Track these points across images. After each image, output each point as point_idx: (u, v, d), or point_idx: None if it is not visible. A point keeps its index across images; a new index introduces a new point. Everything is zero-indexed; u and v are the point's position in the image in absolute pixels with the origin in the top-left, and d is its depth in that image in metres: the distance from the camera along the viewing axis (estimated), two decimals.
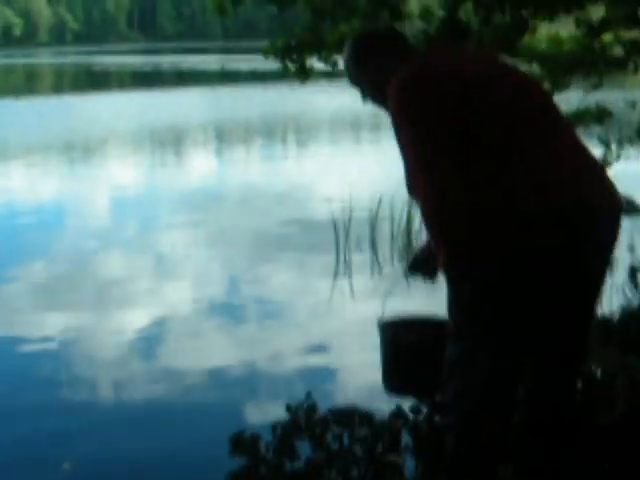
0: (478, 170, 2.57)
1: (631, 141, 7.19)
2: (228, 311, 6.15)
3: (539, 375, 2.80)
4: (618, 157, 6.64)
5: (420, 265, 3.12)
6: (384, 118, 2.85)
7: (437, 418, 3.88)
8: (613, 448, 3.42)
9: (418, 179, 2.59)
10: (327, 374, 4.87)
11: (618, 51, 7.43)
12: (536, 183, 2.54)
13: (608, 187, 2.69)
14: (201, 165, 14.43)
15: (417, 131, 2.57)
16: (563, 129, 2.76)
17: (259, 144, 17.32)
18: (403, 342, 3.26)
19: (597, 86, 7.21)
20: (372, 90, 2.89)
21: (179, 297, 6.46)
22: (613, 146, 7.05)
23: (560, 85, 7.47)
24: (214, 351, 5.24)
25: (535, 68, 7.60)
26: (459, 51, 2.84)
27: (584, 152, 2.75)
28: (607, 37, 7.39)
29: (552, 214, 2.51)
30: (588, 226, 2.57)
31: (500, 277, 2.56)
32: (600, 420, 3.45)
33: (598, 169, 2.76)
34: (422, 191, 2.58)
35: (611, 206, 2.66)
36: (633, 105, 7.25)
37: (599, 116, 7.26)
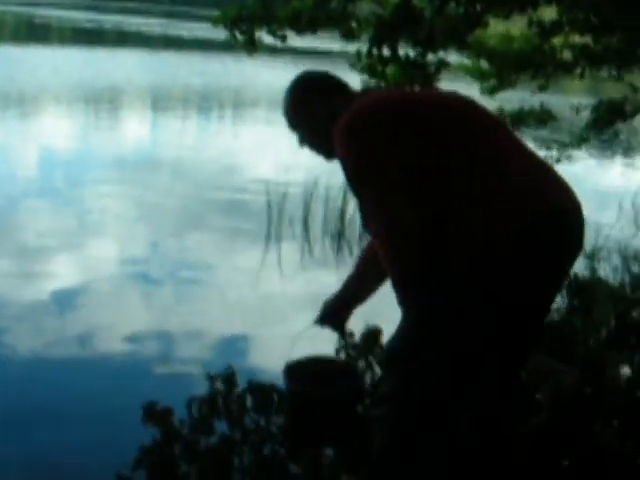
0: (436, 201, 2.50)
1: (572, 145, 7.22)
2: (150, 277, 5.99)
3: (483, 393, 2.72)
4: (558, 160, 6.65)
5: (328, 317, 3.14)
6: None
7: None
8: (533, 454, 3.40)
9: (372, 215, 2.55)
10: (247, 349, 4.79)
11: (567, 55, 7.46)
12: (499, 204, 2.46)
13: (568, 189, 2.62)
14: (135, 129, 14.18)
15: (367, 168, 2.51)
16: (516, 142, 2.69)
17: (197, 114, 17.12)
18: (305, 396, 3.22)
19: (543, 88, 7.24)
20: (310, 135, 2.84)
21: (100, 258, 6.28)
22: (554, 149, 7.07)
23: (507, 83, 7.48)
24: (132, 317, 5.08)
25: (483, 64, 7.59)
26: (395, 89, 2.74)
27: (538, 160, 2.69)
28: (557, 40, 7.41)
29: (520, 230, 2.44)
30: (559, 234, 2.50)
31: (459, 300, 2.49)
32: (525, 424, 3.43)
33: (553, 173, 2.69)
34: (377, 226, 2.55)
35: (575, 208, 2.59)
36: (577, 110, 7.28)
37: (542, 118, 7.29)
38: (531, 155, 2.67)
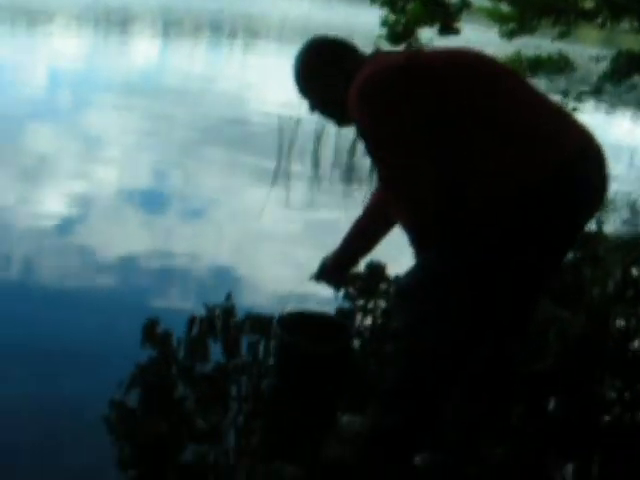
0: (455, 156, 2.47)
1: (588, 95, 7.16)
2: (153, 202, 5.93)
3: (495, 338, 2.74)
4: (574, 110, 6.58)
5: (327, 275, 3.15)
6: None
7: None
8: (544, 392, 3.45)
9: (390, 177, 2.54)
10: (248, 282, 4.70)
11: (589, 4, 7.38)
12: (520, 154, 2.44)
13: (589, 135, 2.60)
14: (145, 52, 14.06)
15: (383, 131, 2.48)
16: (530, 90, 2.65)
17: (209, 40, 16.93)
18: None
19: (564, 35, 7.15)
20: (321, 103, 2.80)
21: (103, 180, 6.22)
22: (570, 99, 7.01)
23: (527, 28, 7.40)
24: (133, 240, 5.00)
25: (504, 7, 7.51)
26: (404, 51, 2.68)
27: (557, 107, 2.66)
28: None
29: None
30: (581, 182, 2.48)
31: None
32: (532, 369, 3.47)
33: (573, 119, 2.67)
34: (397, 193, 2.54)
35: (597, 154, 2.57)
36: (597, 60, 7.21)
37: (560, 66, 7.22)
38: (549, 103, 2.64)
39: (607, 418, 3.50)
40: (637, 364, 3.99)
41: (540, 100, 2.61)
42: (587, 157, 2.53)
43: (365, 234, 3.08)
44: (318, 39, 2.83)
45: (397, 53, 2.67)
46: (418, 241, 2.60)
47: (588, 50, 10.10)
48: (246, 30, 19.32)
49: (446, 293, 2.57)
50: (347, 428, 2.95)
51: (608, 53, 7.72)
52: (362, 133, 2.57)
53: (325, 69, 2.72)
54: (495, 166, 2.44)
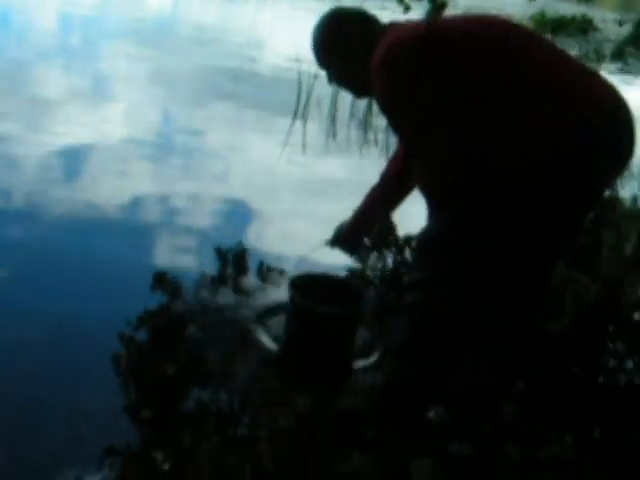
0: (484, 124, 2.44)
1: (610, 58, 7.09)
2: (166, 146, 5.93)
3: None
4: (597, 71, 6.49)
5: (342, 240, 3.15)
6: None
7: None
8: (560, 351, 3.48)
9: (412, 149, 2.56)
10: (259, 227, 4.71)
11: None
12: (547, 115, 2.39)
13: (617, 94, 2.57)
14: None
15: (405, 100, 2.45)
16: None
17: None
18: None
19: None
20: (340, 74, 2.75)
21: (110, 126, 6.17)
22: (593, 61, 6.95)
23: None
24: (139, 186, 4.97)
25: None
26: (425, 20, 2.63)
27: (584, 67, 2.62)
28: None
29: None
30: (609, 142, 2.45)
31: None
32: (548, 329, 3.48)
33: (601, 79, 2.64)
34: (418, 161, 2.54)
35: (625, 112, 2.51)
36: (620, 23, 7.13)
37: (584, 27, 7.15)
38: (578, 63, 2.61)
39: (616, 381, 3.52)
40: None
41: (568, 61, 2.58)
42: (619, 117, 2.51)
43: (383, 200, 3.07)
44: (337, 10, 2.79)
45: (417, 22, 2.63)
46: (437, 206, 2.59)
47: (607, 14, 9.97)
48: None
49: (460, 261, 2.56)
50: (362, 380, 2.96)
51: (629, 17, 7.63)
52: (383, 104, 2.54)
53: (344, 41, 2.69)
54: (528, 129, 2.40)
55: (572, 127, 2.40)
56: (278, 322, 3.36)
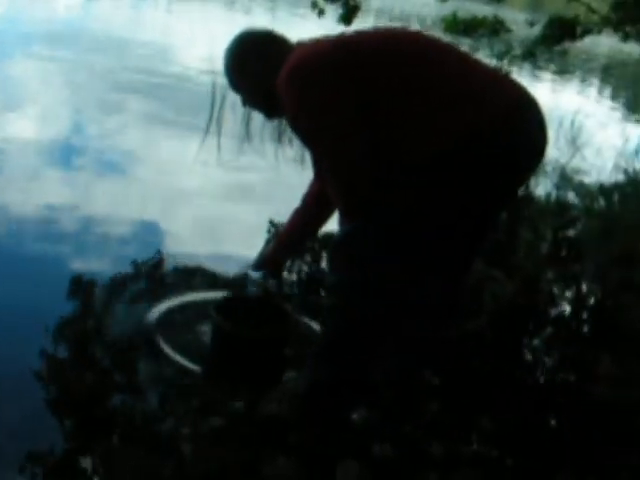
0: (389, 133, 2.49)
1: (521, 59, 7.22)
2: (71, 154, 5.77)
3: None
4: (508, 73, 6.61)
5: (266, 265, 3.17)
6: None
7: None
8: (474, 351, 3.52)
9: (322, 161, 2.60)
10: (174, 237, 4.59)
11: None
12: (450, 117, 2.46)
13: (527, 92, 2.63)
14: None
15: (314, 118, 2.48)
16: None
17: None
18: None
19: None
20: (251, 97, 2.79)
21: (19, 131, 6.00)
22: (505, 61, 7.06)
23: None
24: (50, 195, 4.80)
25: None
26: (332, 37, 2.66)
27: (494, 71, 2.76)
28: None
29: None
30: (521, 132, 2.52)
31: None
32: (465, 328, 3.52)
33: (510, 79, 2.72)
34: (327, 171, 2.59)
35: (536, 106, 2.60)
36: (531, 24, 7.26)
37: (495, 28, 7.25)
38: (483, 66, 2.69)
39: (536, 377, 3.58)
40: (562, 325, 4.08)
41: (478, 68, 2.64)
42: (529, 116, 2.57)
43: (305, 221, 3.09)
44: (245, 33, 2.81)
45: (324, 40, 2.64)
46: (349, 218, 2.63)
47: (517, 14, 10.16)
48: None
49: (369, 266, 2.57)
50: (285, 387, 2.94)
51: (538, 17, 7.77)
52: (291, 121, 2.57)
53: (253, 64, 2.72)
54: (434, 137, 2.46)
55: (480, 128, 2.44)
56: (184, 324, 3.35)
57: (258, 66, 2.70)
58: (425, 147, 2.47)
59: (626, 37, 7.34)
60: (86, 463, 2.53)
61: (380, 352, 2.79)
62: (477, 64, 2.66)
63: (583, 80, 14.56)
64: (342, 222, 2.70)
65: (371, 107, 2.46)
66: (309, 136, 2.58)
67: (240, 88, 2.79)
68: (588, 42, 8.50)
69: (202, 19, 13.72)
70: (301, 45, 2.66)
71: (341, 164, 2.51)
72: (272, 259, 3.16)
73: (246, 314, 3.26)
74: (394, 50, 2.57)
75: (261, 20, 13.44)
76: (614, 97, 13.75)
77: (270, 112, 2.83)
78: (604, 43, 11.98)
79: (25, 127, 6.17)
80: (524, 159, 2.59)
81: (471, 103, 2.48)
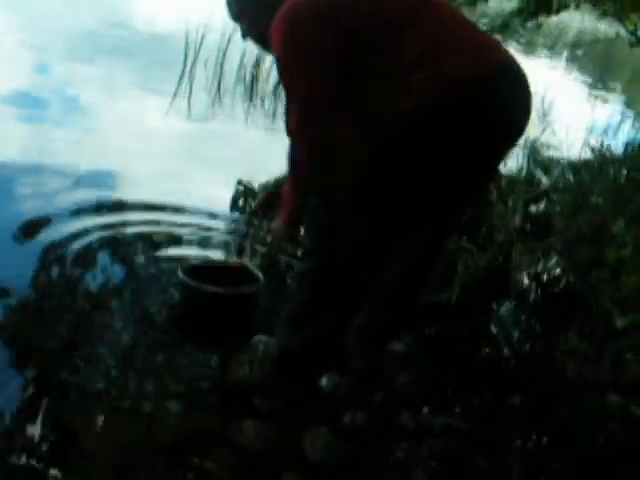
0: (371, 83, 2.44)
1: (496, 30, 7.19)
2: (33, 105, 5.67)
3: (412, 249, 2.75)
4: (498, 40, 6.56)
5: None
6: None
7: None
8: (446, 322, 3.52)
9: (295, 119, 2.51)
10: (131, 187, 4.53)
11: None
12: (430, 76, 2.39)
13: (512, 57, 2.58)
14: None
15: (297, 70, 2.45)
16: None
17: None
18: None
19: None
20: (249, 30, 2.73)
21: None
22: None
23: None
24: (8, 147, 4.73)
25: None
26: None
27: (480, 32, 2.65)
28: None
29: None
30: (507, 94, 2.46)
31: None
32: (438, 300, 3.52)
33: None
34: (297, 133, 2.52)
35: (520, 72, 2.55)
36: None
37: None
38: (471, 25, 2.61)
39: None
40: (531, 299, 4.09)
41: (463, 24, 2.57)
42: (508, 74, 2.51)
43: None
44: None
45: None
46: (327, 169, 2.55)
47: None
48: None
49: (353, 197, 2.54)
50: (255, 350, 2.91)
51: None
52: (275, 60, 2.51)
53: None
54: (406, 84, 2.40)
55: (459, 86, 2.39)
56: None
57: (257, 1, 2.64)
58: (400, 103, 2.41)
59: (604, 14, 7.33)
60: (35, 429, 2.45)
61: (351, 315, 2.78)
62: (466, 23, 2.59)
63: (551, 54, 14.58)
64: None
65: (349, 59, 2.41)
66: (284, 83, 2.53)
67: (239, 18, 2.73)
68: (559, 16, 8.48)
69: None
70: None
71: (310, 109, 2.46)
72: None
73: (214, 276, 3.25)
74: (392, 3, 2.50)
75: None
76: (582, 72, 13.79)
77: (266, 49, 2.74)
78: (575, 19, 11.99)
79: None
80: (502, 127, 2.54)
81: (452, 59, 2.41)
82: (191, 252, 3.84)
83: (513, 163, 5.92)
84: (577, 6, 7.40)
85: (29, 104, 5.70)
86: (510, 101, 2.49)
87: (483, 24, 7.47)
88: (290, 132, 2.55)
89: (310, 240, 2.72)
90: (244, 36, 2.78)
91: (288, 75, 2.49)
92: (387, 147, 2.46)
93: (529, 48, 13.79)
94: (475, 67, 2.43)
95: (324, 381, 2.86)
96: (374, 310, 2.93)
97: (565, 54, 14.84)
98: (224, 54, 7.20)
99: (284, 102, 2.62)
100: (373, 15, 2.46)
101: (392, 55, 2.41)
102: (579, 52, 14.12)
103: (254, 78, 7.02)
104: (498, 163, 2.75)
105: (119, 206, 4.10)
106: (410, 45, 2.41)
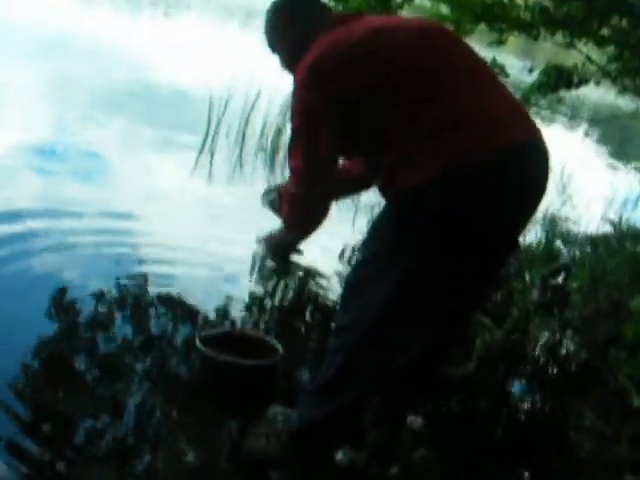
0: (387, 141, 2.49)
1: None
2: (51, 161, 5.70)
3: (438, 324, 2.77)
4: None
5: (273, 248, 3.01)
6: None
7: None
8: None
9: (297, 161, 2.61)
10: (158, 255, 4.48)
11: (526, 15, 7.43)
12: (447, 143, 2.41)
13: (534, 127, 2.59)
14: (64, 8, 13.43)
15: (307, 121, 2.55)
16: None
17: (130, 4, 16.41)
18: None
19: (501, 43, 7.21)
20: (288, 60, 2.79)
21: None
22: None
23: (462, 31, 7.42)
24: (25, 200, 4.73)
25: (443, 8, 7.53)
26: (369, 22, 2.65)
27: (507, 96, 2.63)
28: None
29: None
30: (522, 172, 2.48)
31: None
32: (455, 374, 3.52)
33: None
34: (296, 176, 2.64)
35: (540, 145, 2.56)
36: (530, 70, 7.30)
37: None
38: (501, 88, 2.61)
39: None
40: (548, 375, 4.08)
41: (491, 83, 2.60)
42: (533, 152, 2.52)
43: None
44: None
45: (356, 23, 2.60)
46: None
47: (510, 59, 10.22)
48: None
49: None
50: (273, 421, 2.91)
51: (529, 63, 7.81)
52: (293, 98, 2.59)
53: (291, 27, 2.73)
54: (424, 156, 2.41)
55: (485, 157, 2.41)
56: None
57: (295, 31, 2.71)
58: (409, 177, 2.44)
59: (624, 90, 7.38)
60: None
61: (374, 393, 2.78)
62: (492, 85, 2.60)
63: (571, 125, 14.64)
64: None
65: (362, 117, 2.47)
66: (293, 125, 2.61)
67: (276, 49, 2.80)
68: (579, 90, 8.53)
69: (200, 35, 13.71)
70: (337, 23, 2.63)
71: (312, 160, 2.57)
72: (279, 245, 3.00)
73: (232, 346, 3.26)
74: (420, 60, 2.52)
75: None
76: (601, 144, 13.83)
77: None
78: (595, 92, 12.06)
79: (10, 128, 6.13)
80: (526, 201, 2.56)
81: (466, 136, 2.42)
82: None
83: (532, 236, 5.93)
84: (597, 83, 7.45)
85: (47, 156, 5.78)
86: (522, 180, 2.48)
87: None
88: (291, 168, 2.66)
89: (343, 316, 2.72)
90: (282, 66, 2.84)
91: (299, 121, 2.57)
92: (398, 221, 2.50)
93: (548, 119, 13.86)
94: (486, 145, 2.42)
95: (339, 455, 2.85)
96: (394, 386, 2.92)
97: (584, 126, 14.90)
98: (247, 121, 7.28)
99: (289, 137, 2.69)
100: (396, 80, 2.47)
101: (405, 126, 2.44)
102: (598, 124, 14.14)
103: (275, 147, 7.07)
104: (511, 239, 2.75)
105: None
106: (426, 118, 2.43)
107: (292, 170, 2.66)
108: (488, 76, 2.65)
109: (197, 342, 3.21)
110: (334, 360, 2.68)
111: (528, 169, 2.50)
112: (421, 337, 2.77)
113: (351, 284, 2.71)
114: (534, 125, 2.58)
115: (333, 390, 2.68)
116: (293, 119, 2.61)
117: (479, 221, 2.45)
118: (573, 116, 15.13)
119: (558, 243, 6.07)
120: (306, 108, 2.54)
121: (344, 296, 2.75)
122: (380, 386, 2.80)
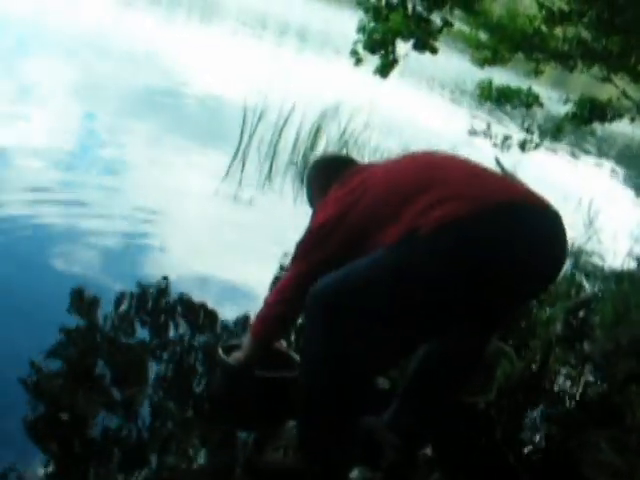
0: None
1: (552, 136, 7.26)
2: (76, 165, 5.73)
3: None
4: (537, 146, 6.65)
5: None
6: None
7: None
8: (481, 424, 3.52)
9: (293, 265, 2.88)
10: (181, 266, 4.51)
11: (564, 46, 7.47)
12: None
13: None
14: (103, 13, 13.57)
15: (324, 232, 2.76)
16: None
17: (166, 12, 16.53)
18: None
19: (539, 73, 7.24)
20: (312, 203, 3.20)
21: (23, 134, 6.01)
22: (535, 134, 7.10)
23: (501, 59, 7.46)
24: (50, 207, 4.71)
25: (482, 36, 7.57)
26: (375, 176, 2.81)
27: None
28: (559, 29, 7.42)
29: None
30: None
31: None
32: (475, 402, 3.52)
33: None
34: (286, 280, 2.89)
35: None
36: (565, 101, 7.32)
37: (529, 101, 7.29)
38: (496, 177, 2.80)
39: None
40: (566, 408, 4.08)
41: (486, 173, 2.73)
42: (519, 209, 2.55)
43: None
44: (327, 159, 3.34)
45: (358, 180, 2.79)
46: None
47: (542, 90, 10.24)
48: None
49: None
50: (291, 434, 2.92)
51: (562, 94, 7.83)
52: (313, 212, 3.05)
53: (315, 189, 3.15)
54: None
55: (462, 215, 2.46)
56: None
57: (325, 189, 2.97)
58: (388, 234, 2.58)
59: None
60: None
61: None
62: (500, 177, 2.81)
63: (599, 159, 14.60)
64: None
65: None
66: (312, 226, 2.86)
67: (314, 205, 3.12)
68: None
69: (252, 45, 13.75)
70: (343, 183, 2.85)
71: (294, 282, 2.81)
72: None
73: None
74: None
75: (289, 49, 13.53)
76: (630, 180, 13.79)
77: (311, 202, 3.23)
78: (627, 128, 12.03)
79: (40, 131, 6.17)
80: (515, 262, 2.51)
81: (475, 193, 2.53)
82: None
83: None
84: (632, 119, 7.47)
85: (75, 156, 5.87)
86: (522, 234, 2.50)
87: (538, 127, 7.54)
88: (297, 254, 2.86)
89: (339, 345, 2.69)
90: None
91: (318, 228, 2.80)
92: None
93: (577, 151, 13.84)
94: (480, 200, 2.50)
95: (355, 473, 2.85)
96: (404, 405, 2.93)
97: (613, 160, 14.87)
98: (280, 135, 7.32)
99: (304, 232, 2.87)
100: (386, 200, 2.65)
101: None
102: (627, 159, 14.14)
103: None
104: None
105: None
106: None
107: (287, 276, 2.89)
108: (481, 169, 2.76)
109: (219, 352, 3.22)
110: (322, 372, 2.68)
111: (529, 225, 2.52)
112: (430, 359, 2.84)
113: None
114: (541, 197, 2.63)
115: (311, 414, 2.73)
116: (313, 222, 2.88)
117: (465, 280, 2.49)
118: (604, 150, 15.10)
119: (583, 278, 6.06)
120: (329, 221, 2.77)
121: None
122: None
